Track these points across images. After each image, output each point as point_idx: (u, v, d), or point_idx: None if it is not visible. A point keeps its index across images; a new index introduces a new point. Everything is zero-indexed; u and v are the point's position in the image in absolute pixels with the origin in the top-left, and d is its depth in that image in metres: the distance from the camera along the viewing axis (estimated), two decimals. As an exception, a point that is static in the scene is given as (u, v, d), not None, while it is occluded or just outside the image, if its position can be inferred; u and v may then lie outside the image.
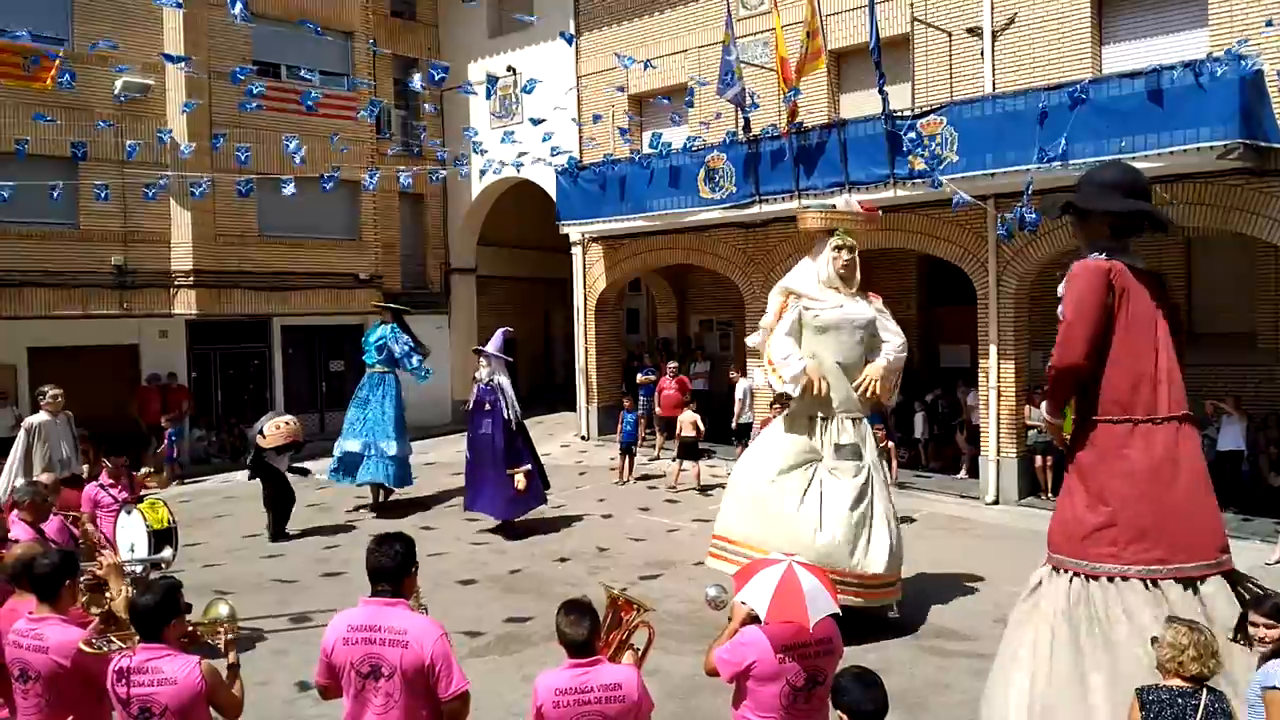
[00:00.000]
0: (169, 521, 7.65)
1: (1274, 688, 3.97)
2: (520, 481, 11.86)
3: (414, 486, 14.48)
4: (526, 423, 12.89)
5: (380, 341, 14.04)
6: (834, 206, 9.04)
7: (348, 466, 13.73)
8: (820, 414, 8.36)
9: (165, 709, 3.80)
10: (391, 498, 14.19)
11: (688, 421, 14.97)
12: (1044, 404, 5.82)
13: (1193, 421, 5.42)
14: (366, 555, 4.03)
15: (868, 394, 8.36)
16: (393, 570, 3.96)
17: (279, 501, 12.28)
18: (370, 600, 3.95)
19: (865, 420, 8.60)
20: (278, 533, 12.17)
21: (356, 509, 13.90)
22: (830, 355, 8.29)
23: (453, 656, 3.82)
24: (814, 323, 8.29)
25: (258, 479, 12.35)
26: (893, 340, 8.53)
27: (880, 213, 9.91)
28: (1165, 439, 5.25)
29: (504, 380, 12.34)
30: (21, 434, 10.55)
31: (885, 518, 8.27)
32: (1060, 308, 5.38)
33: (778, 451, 8.42)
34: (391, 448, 13.68)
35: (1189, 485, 5.24)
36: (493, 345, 12.54)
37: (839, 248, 8.38)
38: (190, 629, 4.20)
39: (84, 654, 4.08)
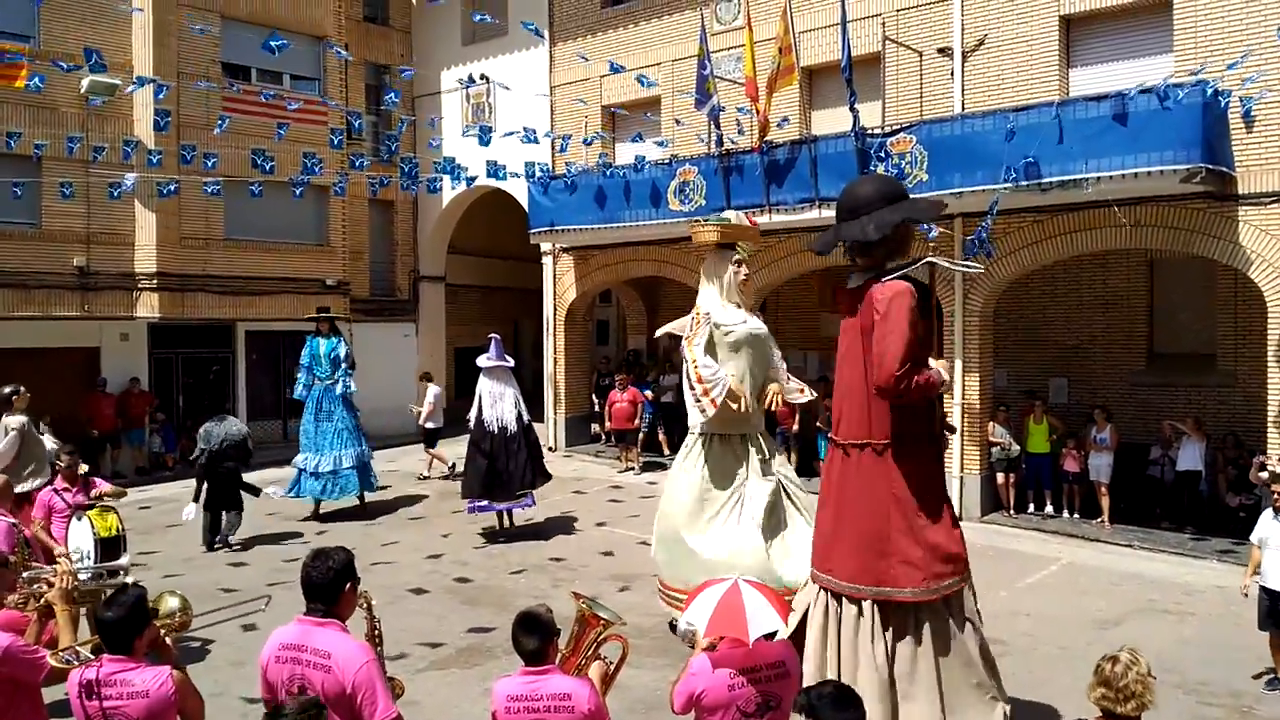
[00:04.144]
0: (118, 529, 7.49)
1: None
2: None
3: (377, 494, 14.61)
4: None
5: (333, 353, 14.03)
6: (728, 220, 8.63)
7: (316, 481, 13.68)
8: (741, 432, 8.00)
9: None
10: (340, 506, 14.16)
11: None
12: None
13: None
14: (301, 569, 3.91)
15: (774, 406, 8.11)
16: (323, 587, 3.83)
17: (226, 505, 12.13)
18: (303, 619, 3.84)
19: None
20: (215, 540, 11.98)
21: (322, 517, 13.82)
22: (747, 371, 7.97)
23: (379, 683, 3.69)
24: (726, 340, 7.95)
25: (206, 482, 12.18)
26: (779, 358, 8.38)
27: (759, 226, 9.42)
28: None
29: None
30: (14, 434, 10.58)
31: (805, 526, 7.70)
32: (886, 319, 5.06)
33: (703, 483, 7.96)
34: (362, 456, 13.94)
35: None
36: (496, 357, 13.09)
37: (740, 262, 8.13)
38: (157, 633, 4.11)
39: (10, 658, 3.97)
